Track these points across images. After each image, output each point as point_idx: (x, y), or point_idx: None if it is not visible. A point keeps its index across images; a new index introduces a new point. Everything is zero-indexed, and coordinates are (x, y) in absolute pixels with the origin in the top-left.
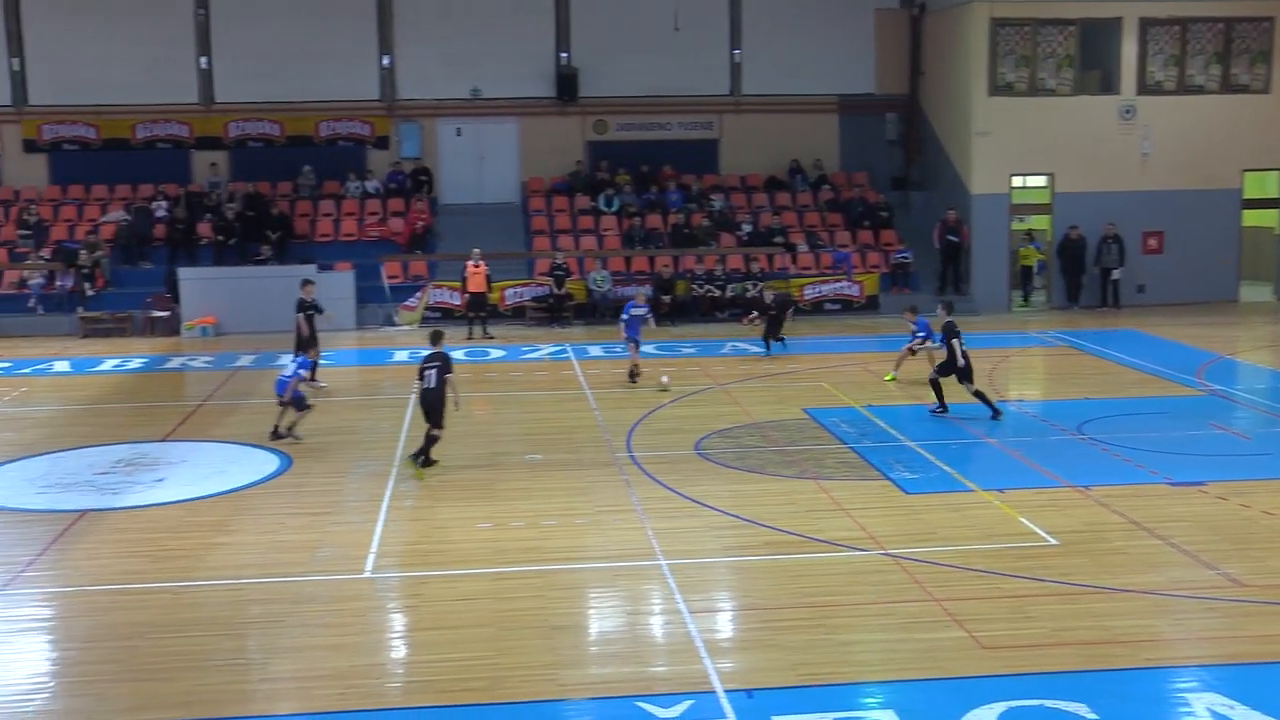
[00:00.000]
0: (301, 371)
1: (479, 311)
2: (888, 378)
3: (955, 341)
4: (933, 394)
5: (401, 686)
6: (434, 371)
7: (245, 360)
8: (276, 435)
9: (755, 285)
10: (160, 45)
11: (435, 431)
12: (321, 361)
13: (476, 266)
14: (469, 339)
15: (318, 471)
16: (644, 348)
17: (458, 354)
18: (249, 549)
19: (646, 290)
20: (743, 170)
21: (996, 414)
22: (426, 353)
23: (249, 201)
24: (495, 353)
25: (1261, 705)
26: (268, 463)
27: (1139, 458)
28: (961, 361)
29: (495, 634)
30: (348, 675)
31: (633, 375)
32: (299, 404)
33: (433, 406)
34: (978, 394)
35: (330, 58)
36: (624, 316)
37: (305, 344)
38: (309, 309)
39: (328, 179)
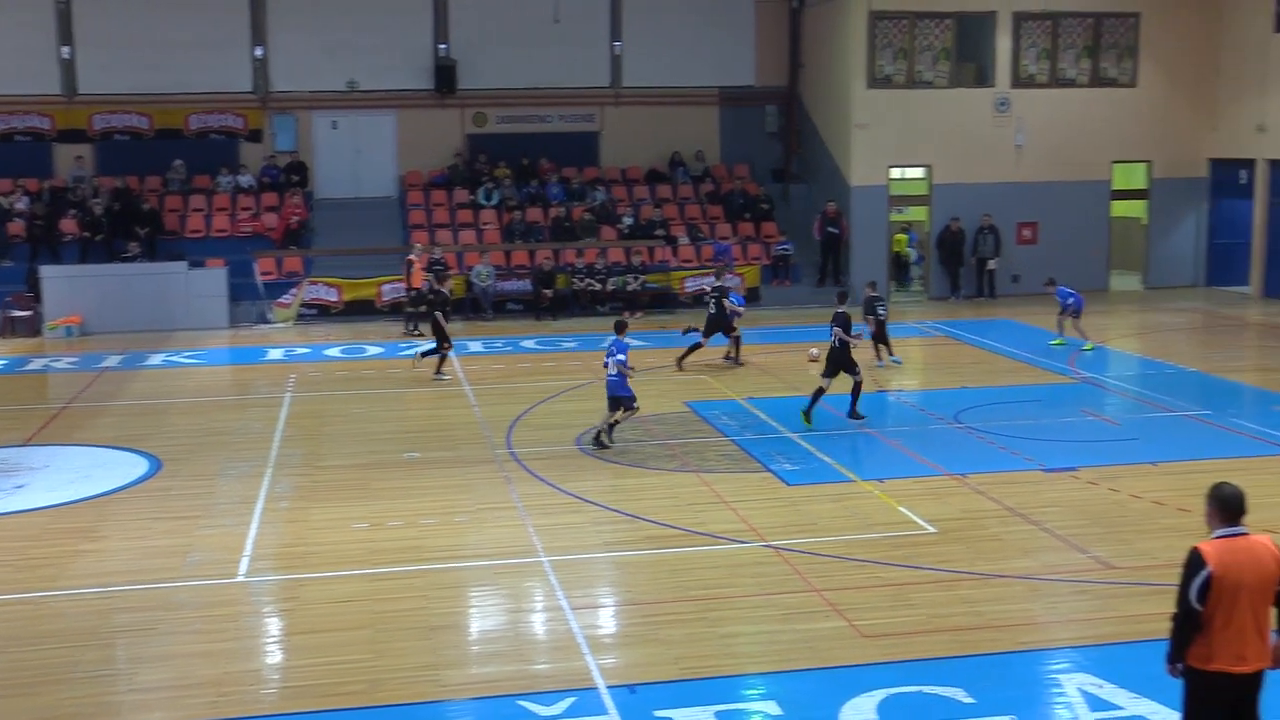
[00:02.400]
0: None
1: (418, 306)
2: (1055, 343)
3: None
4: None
5: (277, 692)
6: (840, 328)
7: (112, 361)
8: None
9: (636, 279)
10: (20, 33)
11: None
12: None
13: (419, 260)
14: (410, 334)
15: (187, 474)
16: (524, 342)
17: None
18: (116, 556)
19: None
20: (623, 163)
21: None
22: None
23: (116, 196)
24: (372, 349)
25: (1128, 683)
26: (135, 466)
27: (1014, 445)
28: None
29: (374, 636)
30: (221, 682)
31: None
32: None
33: (840, 361)
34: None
35: (200, 48)
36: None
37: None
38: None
39: (199, 173)
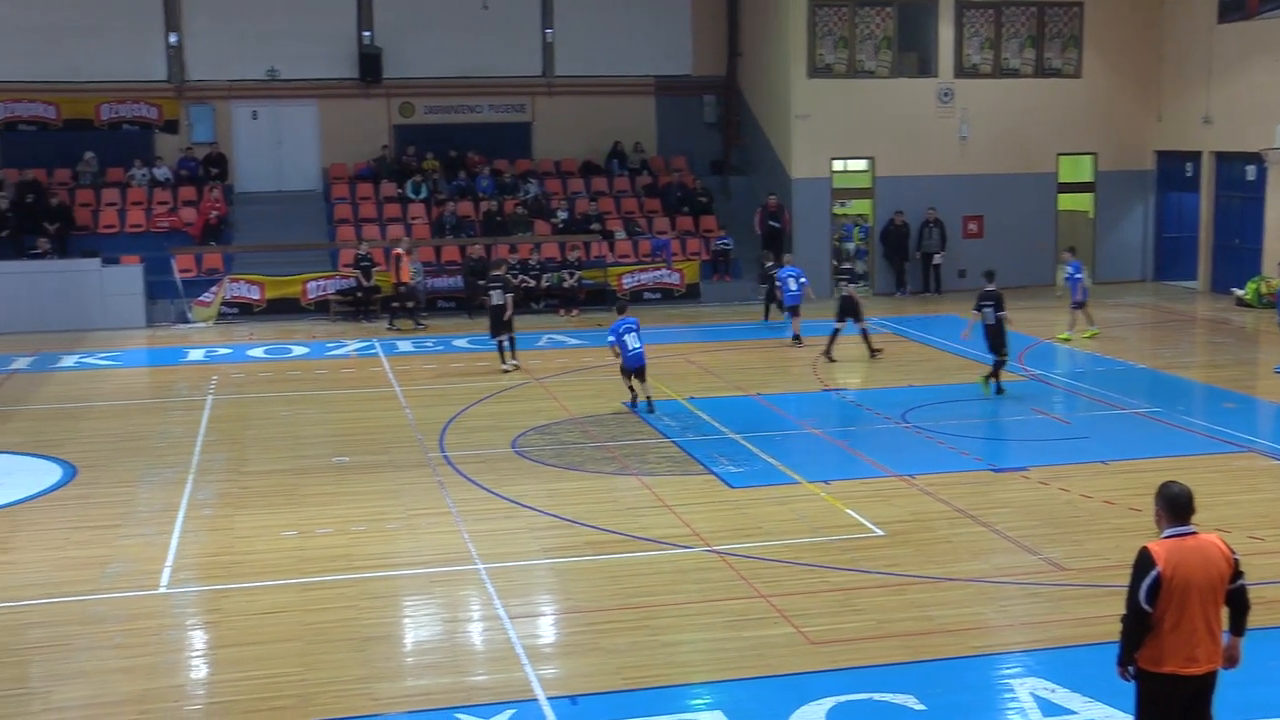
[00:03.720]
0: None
1: (406, 302)
2: (1086, 335)
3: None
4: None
5: (203, 708)
6: (990, 308)
7: (21, 363)
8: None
9: (572, 275)
10: None
11: (1002, 358)
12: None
13: (407, 254)
14: (392, 330)
15: (105, 481)
16: (456, 341)
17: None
18: (29, 567)
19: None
20: (557, 155)
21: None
22: (987, 289)
23: (23, 190)
24: (298, 350)
25: (1080, 686)
26: (49, 473)
27: (963, 444)
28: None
29: (303, 648)
30: (143, 699)
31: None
32: None
33: (997, 338)
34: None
35: (112, 33)
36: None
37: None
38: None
39: (112, 166)
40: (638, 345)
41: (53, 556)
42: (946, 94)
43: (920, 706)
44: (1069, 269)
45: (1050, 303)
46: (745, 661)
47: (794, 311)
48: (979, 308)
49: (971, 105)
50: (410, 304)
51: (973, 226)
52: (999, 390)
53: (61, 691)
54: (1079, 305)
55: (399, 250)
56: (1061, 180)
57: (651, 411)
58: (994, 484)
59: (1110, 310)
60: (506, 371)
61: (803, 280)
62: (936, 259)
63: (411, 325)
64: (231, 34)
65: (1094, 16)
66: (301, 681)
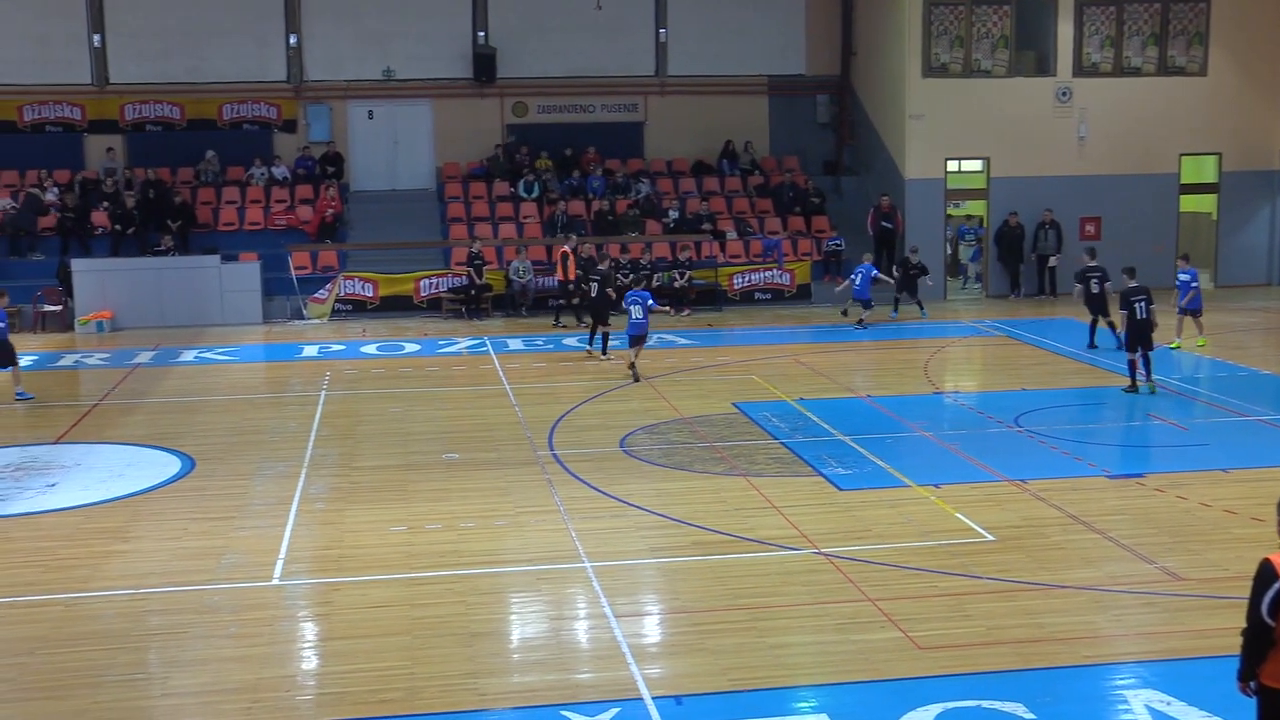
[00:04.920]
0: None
1: (571, 300)
2: (1199, 343)
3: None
4: None
5: (313, 699)
6: (1142, 302)
7: (144, 357)
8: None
9: (683, 274)
10: (50, 21)
11: (1149, 351)
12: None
13: (572, 252)
14: (558, 327)
15: (222, 474)
16: (566, 340)
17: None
18: (149, 557)
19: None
20: (669, 154)
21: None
22: (1132, 284)
23: (148, 188)
24: (410, 347)
25: (1198, 700)
26: (168, 465)
27: (1077, 450)
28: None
29: (411, 642)
30: (255, 688)
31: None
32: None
33: (1145, 333)
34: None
35: (234, 36)
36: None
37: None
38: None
39: (232, 165)
40: (640, 316)
41: (171, 546)
42: (1065, 93)
43: (1030, 715)
44: (1183, 275)
45: (1167, 307)
46: (852, 665)
47: (865, 305)
48: (1129, 304)
49: (1090, 104)
50: (575, 301)
51: (1090, 228)
52: (1151, 390)
53: (178, 678)
54: (1186, 312)
55: (565, 248)
56: (1183, 181)
57: (635, 381)
58: (1109, 490)
59: (1233, 315)
60: (604, 359)
61: (874, 274)
62: (1052, 261)
63: (574, 322)
64: (348, 35)
65: (1221, 13)
66: (409, 675)
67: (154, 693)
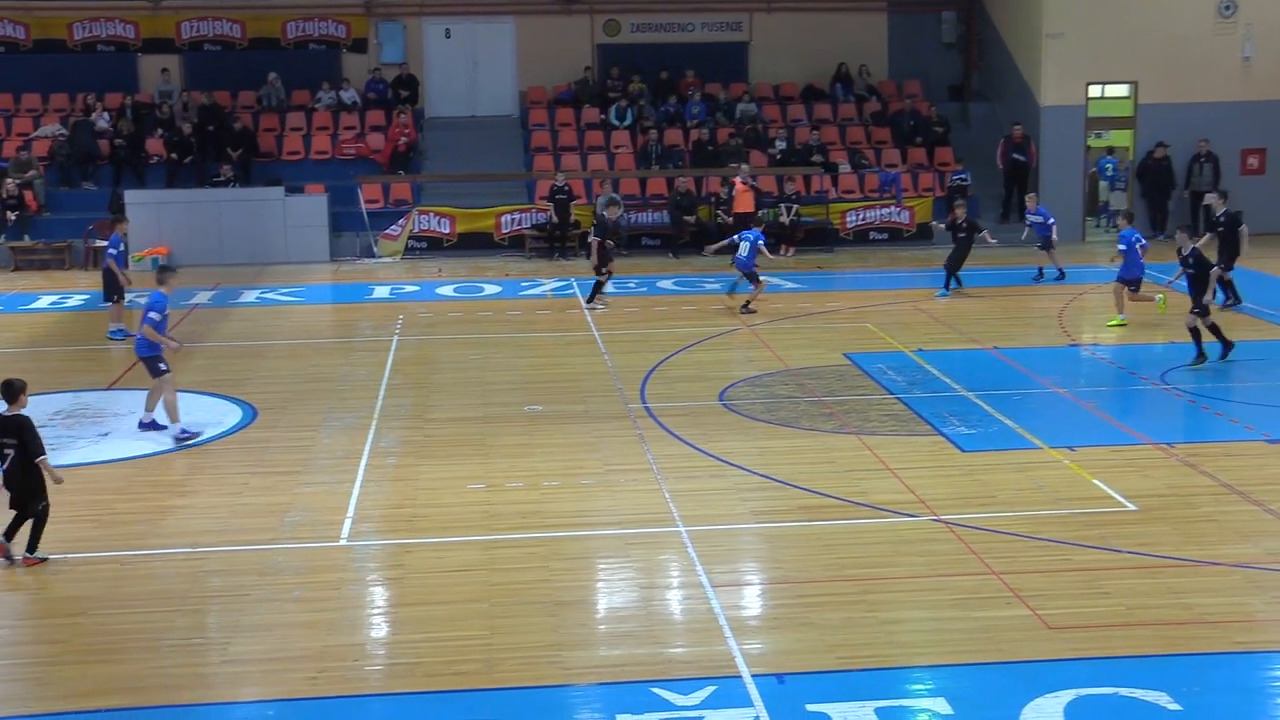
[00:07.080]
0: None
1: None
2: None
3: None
4: None
5: (383, 669)
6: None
7: (202, 297)
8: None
9: (790, 210)
10: None
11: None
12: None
13: (745, 186)
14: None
15: (286, 424)
16: (660, 283)
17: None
18: (208, 513)
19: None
20: (776, 78)
21: (1202, 357)
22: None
23: (206, 114)
24: (489, 288)
25: None
26: (229, 414)
27: (1232, 411)
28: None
29: (490, 610)
30: (322, 656)
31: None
32: None
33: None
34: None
35: None
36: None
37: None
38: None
39: (297, 88)
40: (745, 254)
41: (231, 502)
42: (1228, 7)
43: (1175, 706)
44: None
45: None
46: (973, 645)
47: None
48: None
49: (1258, 20)
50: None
51: (1253, 161)
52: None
53: (239, 643)
54: None
55: (736, 179)
56: None
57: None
58: (1268, 457)
59: None
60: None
61: (1050, 221)
62: (1208, 198)
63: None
64: None
65: None
66: (487, 646)
67: (214, 659)
